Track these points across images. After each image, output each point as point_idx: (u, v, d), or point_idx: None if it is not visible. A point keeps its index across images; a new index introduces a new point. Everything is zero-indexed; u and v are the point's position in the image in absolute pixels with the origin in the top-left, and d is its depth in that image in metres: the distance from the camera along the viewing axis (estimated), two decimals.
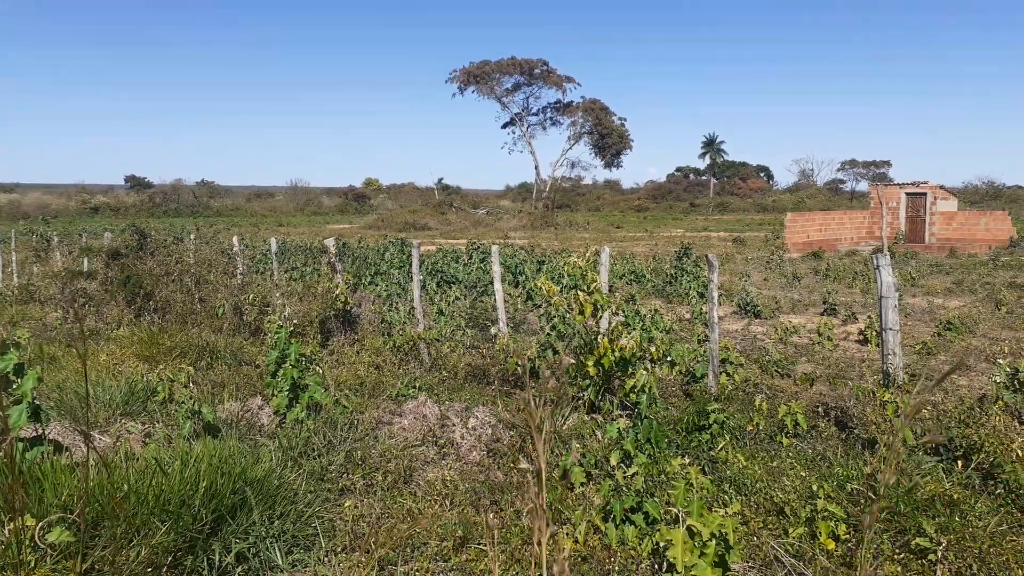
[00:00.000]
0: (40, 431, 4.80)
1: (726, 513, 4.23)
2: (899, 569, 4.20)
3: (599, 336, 7.14)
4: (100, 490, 3.87)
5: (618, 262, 21.84)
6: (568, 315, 7.52)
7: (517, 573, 4.13)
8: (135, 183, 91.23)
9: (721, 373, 8.14)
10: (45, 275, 18.38)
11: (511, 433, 6.43)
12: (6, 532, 3.36)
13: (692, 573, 3.40)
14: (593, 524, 4.58)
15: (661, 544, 4.15)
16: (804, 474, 5.47)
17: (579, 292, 7.21)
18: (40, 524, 3.23)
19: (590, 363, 6.86)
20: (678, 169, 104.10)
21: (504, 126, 71.31)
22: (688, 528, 3.50)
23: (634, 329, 9.47)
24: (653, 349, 7.04)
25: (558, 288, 7.46)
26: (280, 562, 4.13)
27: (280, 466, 5.10)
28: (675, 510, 3.93)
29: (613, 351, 6.69)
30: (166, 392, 6.63)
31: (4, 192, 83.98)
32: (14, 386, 4.65)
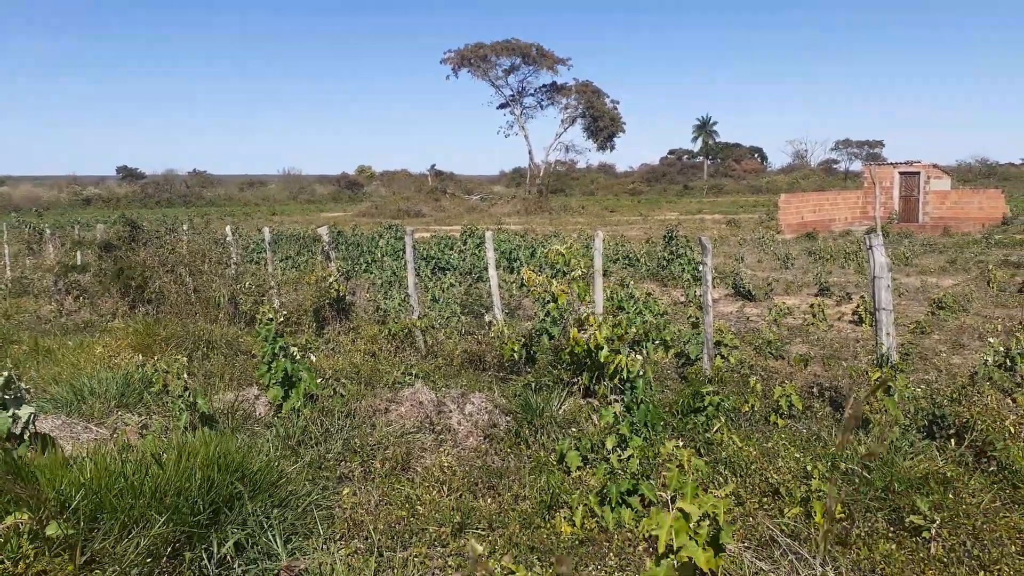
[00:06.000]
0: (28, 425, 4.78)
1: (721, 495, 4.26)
2: (893, 547, 4.24)
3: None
4: (97, 483, 3.88)
5: (612, 246, 21.85)
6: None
7: (515, 557, 4.16)
8: (127, 174, 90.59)
9: (716, 355, 8.17)
10: (38, 268, 18.32)
11: (507, 419, 6.45)
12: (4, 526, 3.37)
13: (683, 554, 3.42)
14: (590, 508, 4.61)
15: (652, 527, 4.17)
16: (799, 455, 5.50)
17: (552, 281, 7.27)
18: (37, 518, 3.24)
19: (566, 352, 6.92)
20: (671, 152, 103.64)
21: (500, 107, 70.74)
22: (680, 510, 3.53)
23: (626, 313, 9.50)
24: (633, 330, 7.07)
25: (544, 277, 7.49)
26: (279, 551, 4.14)
27: (278, 455, 5.11)
28: (671, 492, 3.95)
29: (587, 339, 6.74)
30: (161, 383, 6.63)
31: None
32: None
